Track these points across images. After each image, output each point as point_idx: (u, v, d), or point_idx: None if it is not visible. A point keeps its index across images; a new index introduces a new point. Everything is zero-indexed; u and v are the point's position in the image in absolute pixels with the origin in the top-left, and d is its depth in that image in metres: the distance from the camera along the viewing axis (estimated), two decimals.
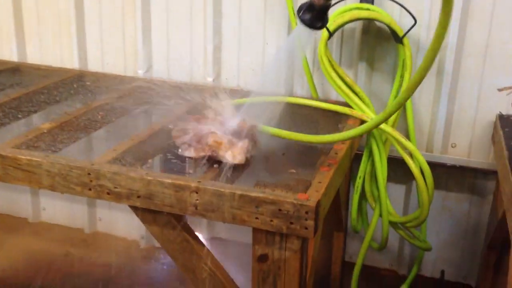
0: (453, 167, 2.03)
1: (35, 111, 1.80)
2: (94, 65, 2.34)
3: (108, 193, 1.35)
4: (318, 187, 1.31)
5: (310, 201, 1.23)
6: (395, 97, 1.93)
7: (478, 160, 2.01)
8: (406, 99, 1.15)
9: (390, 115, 1.22)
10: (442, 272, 2.22)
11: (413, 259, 2.23)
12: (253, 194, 1.25)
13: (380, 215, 1.92)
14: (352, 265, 2.23)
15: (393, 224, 1.97)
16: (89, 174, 1.35)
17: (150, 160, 1.44)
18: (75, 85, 2.06)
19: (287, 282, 1.33)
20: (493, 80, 1.89)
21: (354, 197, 2.00)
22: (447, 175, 2.09)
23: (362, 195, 2.01)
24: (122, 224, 2.51)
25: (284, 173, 1.39)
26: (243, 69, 2.16)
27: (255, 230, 1.30)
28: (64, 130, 1.62)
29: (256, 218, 1.26)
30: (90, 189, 1.36)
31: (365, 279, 2.03)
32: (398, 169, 2.05)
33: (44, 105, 1.85)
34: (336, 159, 1.48)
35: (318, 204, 1.24)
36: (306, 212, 1.22)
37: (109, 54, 2.31)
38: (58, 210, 2.61)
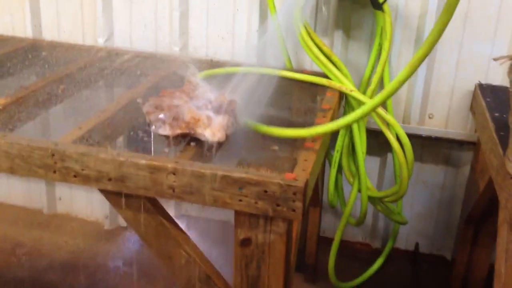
0: (429, 138, 1.98)
1: None
2: (49, 34, 2.16)
3: (75, 176, 1.23)
4: (305, 165, 1.23)
5: (298, 181, 1.15)
6: (373, 66, 1.86)
7: (455, 130, 1.96)
8: (409, 75, 1.07)
9: (390, 95, 1.14)
10: (417, 244, 2.20)
11: (387, 232, 2.20)
12: (236, 174, 1.16)
13: (359, 190, 1.86)
14: (326, 239, 2.18)
15: (371, 199, 1.92)
16: (53, 155, 1.22)
17: (120, 139, 1.32)
18: (29, 56, 1.89)
19: (272, 267, 1.24)
20: (472, 47, 1.85)
21: (331, 171, 1.93)
22: (422, 146, 2.04)
23: (339, 170, 1.94)
24: (85, 203, 2.37)
25: (266, 150, 1.29)
26: (212, 38, 2.03)
27: (237, 213, 1.21)
28: (21, 106, 1.47)
29: (240, 200, 1.17)
30: (54, 172, 1.24)
31: (340, 253, 1.98)
32: (373, 141, 1.99)
33: None
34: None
35: (306, 184, 1.16)
36: (294, 193, 1.14)
37: (66, 21, 2.13)
38: (14, 189, 2.44)
